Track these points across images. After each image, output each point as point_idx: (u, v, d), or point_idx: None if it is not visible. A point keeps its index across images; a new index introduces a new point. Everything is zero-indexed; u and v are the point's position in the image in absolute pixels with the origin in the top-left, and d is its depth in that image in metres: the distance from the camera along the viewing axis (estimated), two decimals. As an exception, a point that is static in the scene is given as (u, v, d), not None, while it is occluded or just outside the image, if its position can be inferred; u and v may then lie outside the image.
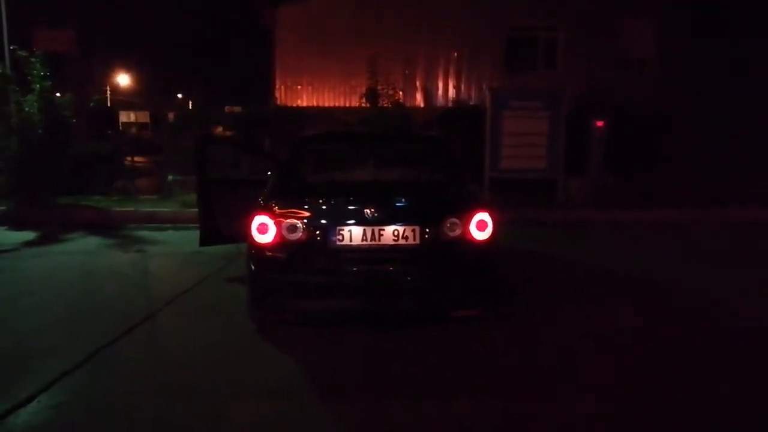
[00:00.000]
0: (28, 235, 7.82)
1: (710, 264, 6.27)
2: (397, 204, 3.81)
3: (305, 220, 3.67)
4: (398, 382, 3.30)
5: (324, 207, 3.76)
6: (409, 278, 3.74)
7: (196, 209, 5.53)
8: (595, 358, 3.68)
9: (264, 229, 3.69)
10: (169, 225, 8.59)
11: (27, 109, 9.32)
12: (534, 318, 4.43)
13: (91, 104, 14.18)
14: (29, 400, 3.04)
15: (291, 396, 3.13)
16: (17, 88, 9.46)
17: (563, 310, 4.62)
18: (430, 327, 4.09)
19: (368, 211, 3.62)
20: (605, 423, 2.87)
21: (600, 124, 9.40)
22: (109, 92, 36.53)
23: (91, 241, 7.51)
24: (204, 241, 5.39)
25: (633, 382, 3.32)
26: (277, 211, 3.71)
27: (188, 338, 3.99)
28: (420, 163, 4.48)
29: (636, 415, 2.93)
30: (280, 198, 3.83)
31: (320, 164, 4.43)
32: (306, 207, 3.74)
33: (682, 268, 6.05)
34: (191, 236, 6.18)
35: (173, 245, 7.18)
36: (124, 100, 39.54)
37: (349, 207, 3.70)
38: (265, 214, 3.71)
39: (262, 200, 3.85)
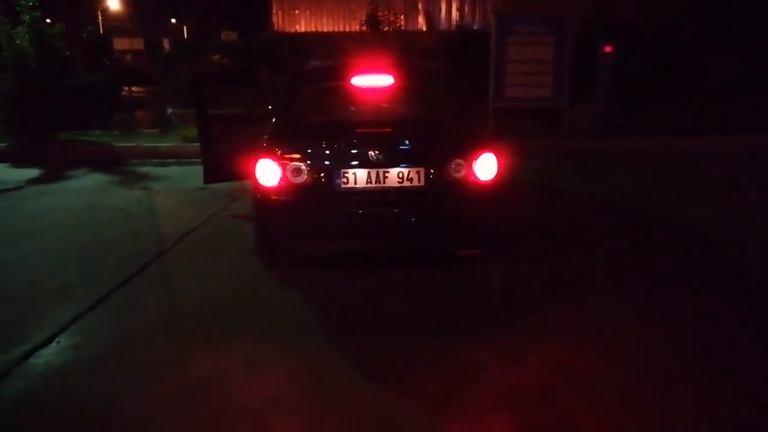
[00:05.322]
0: (32, 172, 7.82)
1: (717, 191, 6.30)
2: (402, 146, 3.77)
3: (309, 163, 3.66)
4: (402, 320, 3.41)
5: (328, 150, 3.73)
6: (414, 219, 3.75)
7: (198, 144, 5.51)
8: (597, 297, 3.77)
9: (268, 173, 3.68)
10: (172, 160, 8.57)
11: (18, 42, 9.03)
12: (537, 256, 4.52)
13: (84, 35, 13.69)
14: (49, 341, 3.15)
15: (302, 334, 3.23)
16: (6, 20, 9.13)
17: (564, 248, 4.71)
18: (435, 267, 4.18)
19: (373, 153, 3.59)
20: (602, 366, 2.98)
21: (608, 49, 9.09)
22: (100, 18, 35.30)
23: (96, 178, 7.53)
24: (208, 179, 5.42)
25: (632, 316, 3.42)
26: (281, 154, 3.68)
27: (199, 278, 4.07)
28: (425, 99, 4.38)
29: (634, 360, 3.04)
30: (283, 141, 3.79)
31: (321, 102, 4.33)
32: (310, 150, 3.71)
33: (683, 200, 6.08)
34: (195, 172, 6.18)
35: (178, 181, 7.20)
36: (117, 26, 38.25)
37: (354, 150, 3.67)
38: (269, 158, 3.69)
39: (265, 143, 3.81)
